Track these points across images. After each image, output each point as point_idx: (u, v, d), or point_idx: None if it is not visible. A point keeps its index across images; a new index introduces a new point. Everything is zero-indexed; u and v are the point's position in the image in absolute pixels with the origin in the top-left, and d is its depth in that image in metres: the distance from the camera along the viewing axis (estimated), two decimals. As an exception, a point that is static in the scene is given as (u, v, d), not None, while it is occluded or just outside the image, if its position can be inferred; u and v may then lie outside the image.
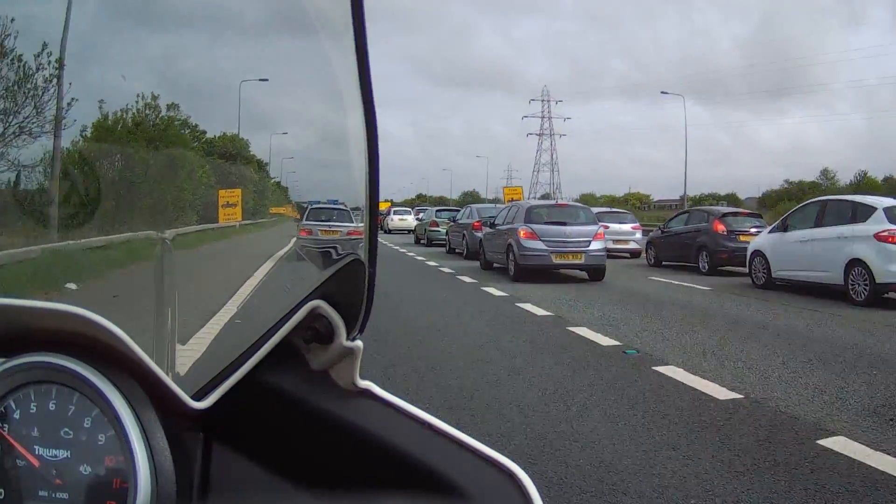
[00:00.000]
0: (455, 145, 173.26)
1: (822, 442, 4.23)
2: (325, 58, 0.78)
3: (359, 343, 0.76)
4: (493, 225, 15.36)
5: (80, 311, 0.71)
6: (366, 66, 0.66)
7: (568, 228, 13.40)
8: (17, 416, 0.74)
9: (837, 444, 4.19)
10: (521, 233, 13.40)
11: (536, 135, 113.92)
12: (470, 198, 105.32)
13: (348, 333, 0.76)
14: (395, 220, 40.52)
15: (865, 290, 10.30)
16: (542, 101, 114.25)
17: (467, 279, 13.83)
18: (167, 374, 0.76)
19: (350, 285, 0.75)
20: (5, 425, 0.73)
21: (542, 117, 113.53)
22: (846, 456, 3.98)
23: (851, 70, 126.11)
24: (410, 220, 38.47)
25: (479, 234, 16.69)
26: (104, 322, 0.71)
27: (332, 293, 0.77)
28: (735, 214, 16.86)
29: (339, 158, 0.83)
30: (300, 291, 0.79)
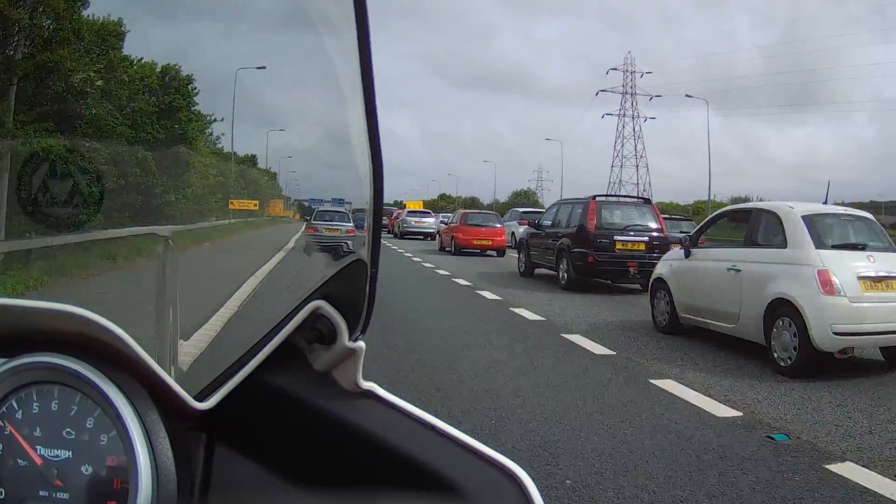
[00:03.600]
0: (474, 146, 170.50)
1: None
2: (330, 56, 0.78)
3: (361, 344, 0.76)
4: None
5: (81, 312, 0.71)
6: (369, 65, 0.66)
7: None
8: (19, 416, 0.73)
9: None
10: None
11: (616, 115, 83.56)
12: (524, 198, 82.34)
13: (350, 334, 0.76)
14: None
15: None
16: (624, 71, 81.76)
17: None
18: (169, 374, 0.75)
19: (352, 286, 0.75)
20: (7, 425, 0.73)
21: (624, 93, 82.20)
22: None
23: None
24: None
25: None
26: (106, 322, 0.71)
27: (333, 293, 0.77)
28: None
29: (344, 158, 0.83)
30: (302, 292, 0.79)
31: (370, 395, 0.77)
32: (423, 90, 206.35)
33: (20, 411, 0.74)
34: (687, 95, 49.73)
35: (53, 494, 0.71)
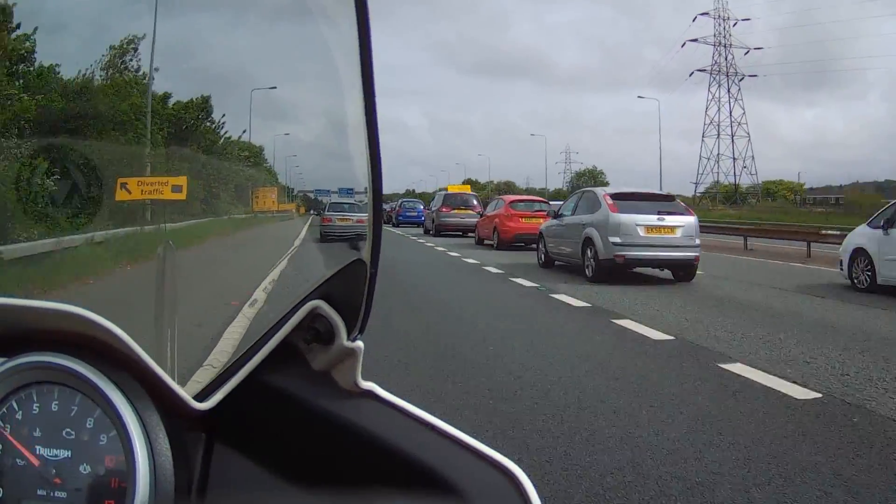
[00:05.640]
0: (485, 133, 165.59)
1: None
2: (330, 47, 0.78)
3: (359, 343, 0.76)
4: None
5: (81, 312, 0.71)
6: (369, 56, 0.65)
7: None
8: (19, 416, 0.74)
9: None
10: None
11: (707, 72, 65.22)
12: (590, 181, 63.94)
13: (349, 334, 0.76)
14: None
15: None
16: (716, 18, 64.66)
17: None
18: (169, 374, 0.76)
19: (351, 285, 0.75)
20: (7, 425, 0.73)
21: (716, 45, 64.91)
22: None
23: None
24: None
25: None
26: (105, 322, 0.71)
27: (332, 293, 0.77)
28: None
29: (347, 150, 0.82)
30: (300, 291, 0.79)
31: (369, 394, 0.77)
32: (432, 79, 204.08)
33: (20, 411, 0.74)
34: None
35: (51, 494, 0.71)
